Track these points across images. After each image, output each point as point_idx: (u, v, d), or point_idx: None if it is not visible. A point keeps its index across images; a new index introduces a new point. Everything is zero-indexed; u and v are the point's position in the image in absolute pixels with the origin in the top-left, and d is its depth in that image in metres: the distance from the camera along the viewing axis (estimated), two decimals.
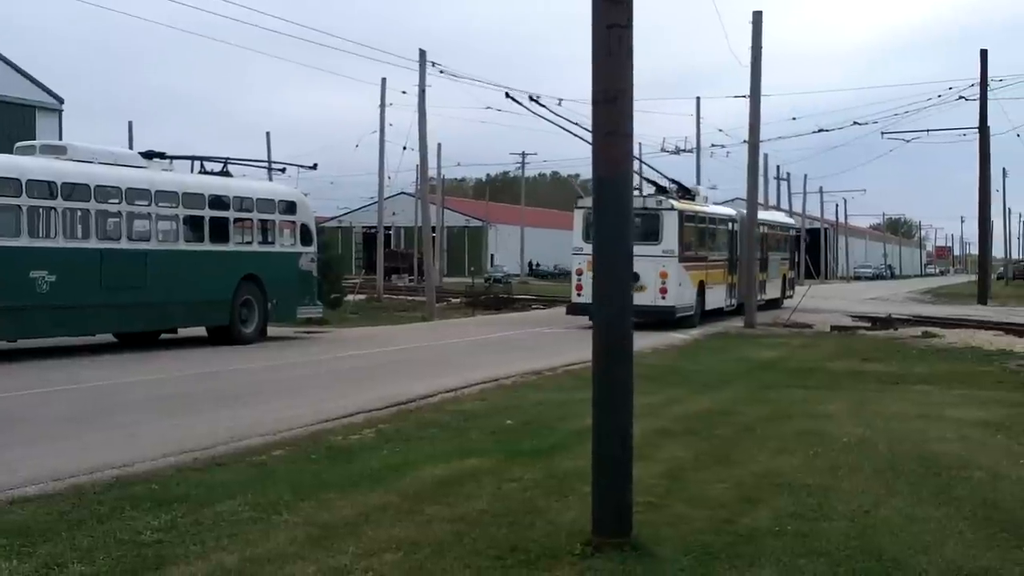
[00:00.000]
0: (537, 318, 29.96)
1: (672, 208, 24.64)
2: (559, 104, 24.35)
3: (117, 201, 17.38)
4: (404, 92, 37.48)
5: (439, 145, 62.01)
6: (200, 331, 19.46)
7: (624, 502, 5.66)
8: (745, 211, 28.40)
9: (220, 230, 19.34)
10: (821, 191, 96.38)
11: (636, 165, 26.62)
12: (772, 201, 68.65)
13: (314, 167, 23.72)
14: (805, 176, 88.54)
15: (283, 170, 24.82)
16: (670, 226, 24.34)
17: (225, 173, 20.40)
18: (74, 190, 16.59)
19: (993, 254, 71.77)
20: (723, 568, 5.40)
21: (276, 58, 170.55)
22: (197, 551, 5.63)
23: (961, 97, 38.46)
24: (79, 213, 16.78)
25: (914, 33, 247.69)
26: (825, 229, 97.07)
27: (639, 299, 22.66)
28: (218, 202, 19.30)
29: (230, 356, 17.00)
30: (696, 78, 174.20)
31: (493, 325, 27.12)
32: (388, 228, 62.35)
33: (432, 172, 52.09)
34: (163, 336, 19.30)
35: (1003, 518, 6.46)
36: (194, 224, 18.91)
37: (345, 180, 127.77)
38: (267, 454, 8.49)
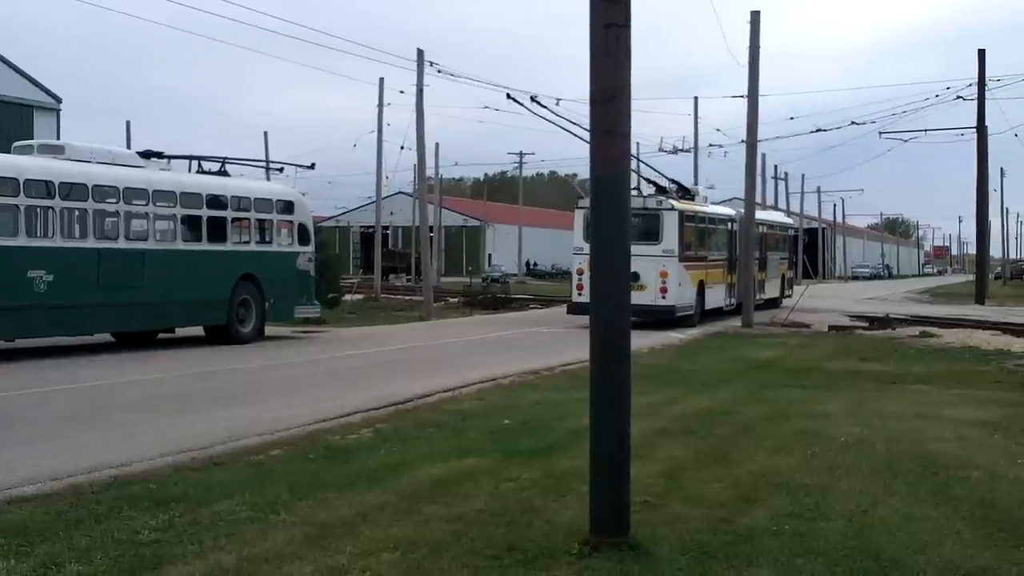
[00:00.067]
0: (535, 318, 29.96)
1: (672, 208, 24.74)
2: (557, 104, 24.37)
3: (115, 201, 17.37)
4: (402, 92, 37.47)
5: (437, 145, 62.00)
6: (198, 331, 19.45)
7: (622, 501, 5.66)
8: (744, 211, 28.46)
9: (218, 230, 19.33)
10: (819, 191, 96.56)
11: (634, 164, 26.68)
12: (770, 201, 68.68)
13: (312, 167, 23.70)
14: (803, 176, 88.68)
15: (281, 170, 24.85)
16: (670, 226, 24.43)
17: (223, 173, 20.39)
18: (72, 190, 16.58)
19: (991, 254, 71.84)
20: (721, 568, 5.40)
21: (274, 58, 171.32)
22: (195, 551, 5.63)
23: (959, 97, 38.49)
24: (77, 213, 16.77)
25: (912, 33, 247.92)
26: (823, 229, 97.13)
27: (639, 298, 23.07)
28: (216, 202, 19.29)
29: (228, 356, 17.00)
30: (694, 78, 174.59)
31: (491, 325, 27.12)
32: (386, 228, 62.41)
33: (430, 172, 52.05)
34: (161, 336, 19.29)
35: (1001, 518, 6.46)
36: (192, 224, 18.90)
37: (343, 180, 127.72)
38: (265, 454, 8.49)
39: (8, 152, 17.40)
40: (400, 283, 57.10)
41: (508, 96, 23.85)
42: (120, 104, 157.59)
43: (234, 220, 19.87)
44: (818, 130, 42.76)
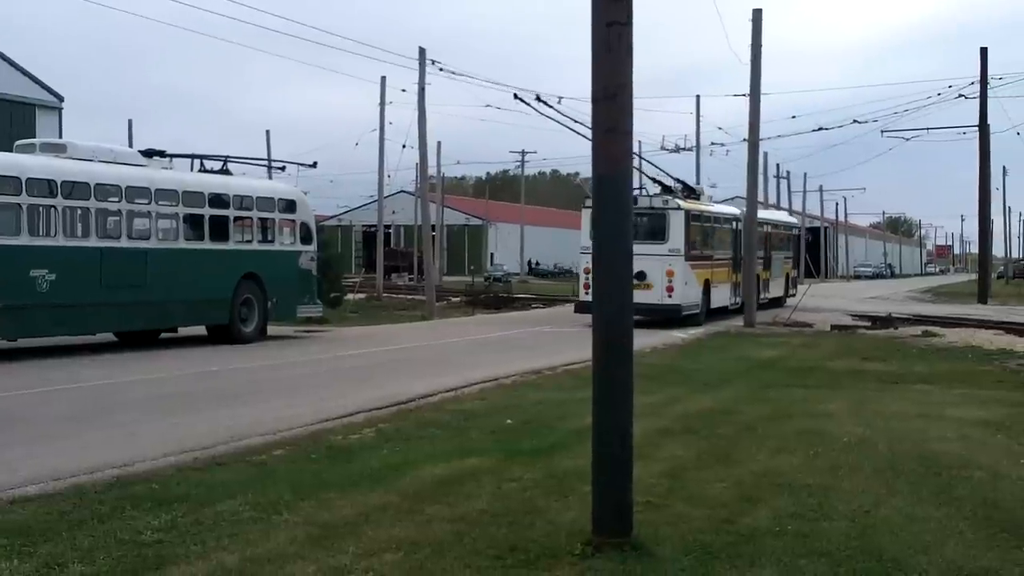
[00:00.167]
0: (537, 317, 29.95)
1: (678, 208, 24.87)
2: (559, 102, 24.42)
3: (117, 199, 17.38)
4: (404, 90, 37.57)
5: (439, 143, 62.07)
6: (200, 330, 19.45)
7: (624, 501, 5.66)
8: (746, 210, 28.47)
9: (220, 229, 19.34)
10: (821, 190, 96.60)
11: (637, 163, 26.75)
12: (772, 200, 68.68)
13: (314, 165, 23.74)
14: (805, 175, 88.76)
15: (283, 168, 24.90)
16: (676, 225, 24.54)
17: (225, 171, 20.40)
18: (74, 188, 16.59)
19: (993, 253, 71.79)
20: (723, 568, 5.39)
21: (276, 56, 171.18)
22: (197, 551, 5.63)
23: (961, 95, 38.48)
24: (79, 211, 16.79)
25: (912, 31, 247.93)
26: (825, 228, 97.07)
27: (646, 297, 23.31)
28: (218, 200, 19.30)
29: (230, 355, 17.00)
30: (695, 76, 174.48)
31: (493, 324, 27.12)
32: (388, 227, 62.34)
33: (432, 170, 52.09)
34: (163, 335, 19.30)
35: (1003, 518, 6.45)
36: (194, 223, 18.90)
37: (345, 178, 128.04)
38: (267, 453, 8.49)
39: (10, 151, 17.41)
40: (402, 282, 57.11)
41: (515, 96, 24.05)
42: (121, 102, 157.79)
43: (236, 219, 19.88)
44: (820, 129, 42.88)
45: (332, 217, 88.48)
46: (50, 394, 12.14)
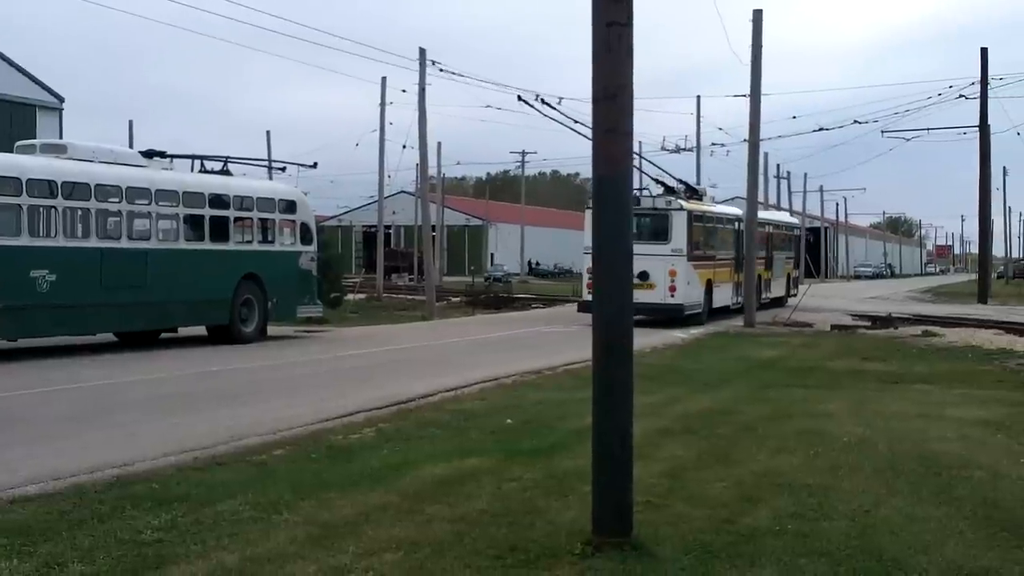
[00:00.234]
0: (537, 317, 29.95)
1: (681, 208, 25.06)
2: (559, 103, 24.48)
3: (117, 200, 17.38)
4: (404, 91, 37.55)
5: (439, 144, 62.10)
6: (200, 330, 19.45)
7: (624, 501, 5.66)
8: (746, 210, 28.51)
9: (220, 229, 19.34)
10: (821, 190, 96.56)
11: (638, 163, 26.83)
12: (772, 200, 68.68)
13: (314, 166, 23.74)
14: (805, 175, 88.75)
15: (283, 169, 24.85)
16: (679, 226, 24.74)
17: (225, 172, 20.40)
18: (74, 189, 16.59)
19: (993, 253, 71.78)
20: (723, 567, 5.39)
21: (275, 56, 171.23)
22: (198, 550, 5.63)
23: (961, 95, 38.48)
24: (79, 212, 16.79)
25: (911, 31, 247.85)
26: (825, 228, 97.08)
27: (649, 297, 23.53)
28: (218, 201, 19.30)
29: (230, 355, 17.00)
30: (695, 76, 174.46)
31: (493, 324, 27.12)
32: (388, 227, 62.36)
33: (432, 171, 52.09)
34: (163, 335, 19.30)
35: (1003, 517, 6.45)
36: (194, 223, 18.90)
37: (345, 179, 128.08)
38: (267, 453, 8.49)
39: (11, 151, 17.42)
40: (402, 282, 57.13)
41: (519, 98, 24.20)
42: (121, 103, 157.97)
43: (236, 219, 19.88)
44: (820, 129, 42.91)
45: (332, 217, 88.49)
46: (50, 394, 12.14)
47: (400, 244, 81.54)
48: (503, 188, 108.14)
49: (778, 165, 75.74)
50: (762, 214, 34.03)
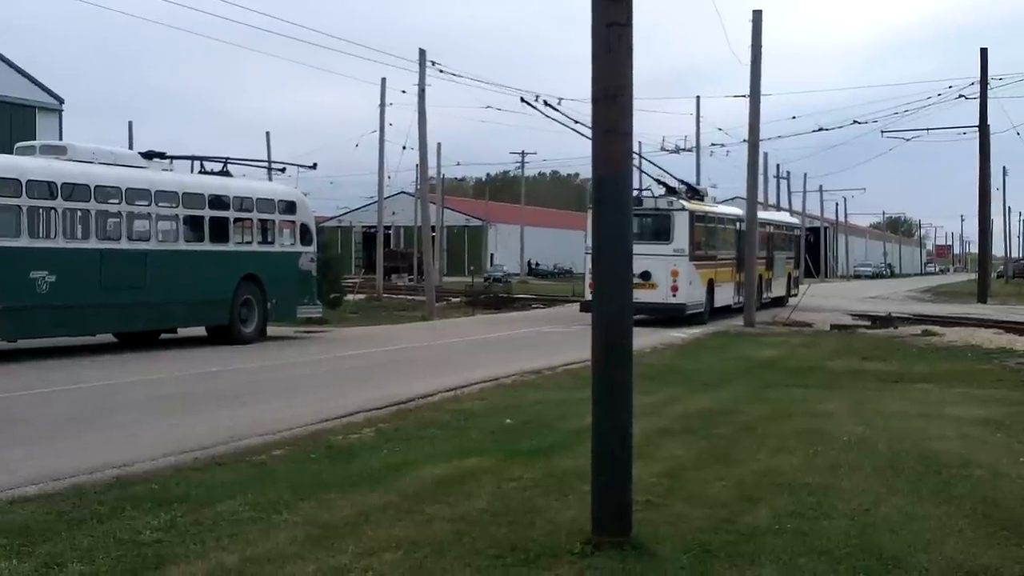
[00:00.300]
0: (537, 317, 29.95)
1: (683, 209, 25.23)
2: (559, 103, 24.54)
3: (117, 201, 17.38)
4: (404, 91, 37.53)
5: (439, 144, 62.09)
6: (200, 331, 19.46)
7: (624, 501, 5.66)
8: (746, 210, 28.55)
9: (220, 230, 19.34)
10: (821, 190, 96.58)
11: (639, 163, 26.97)
12: (772, 200, 68.65)
13: (314, 167, 23.73)
14: (805, 175, 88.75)
15: (283, 170, 24.84)
16: (681, 226, 24.90)
17: (225, 173, 20.40)
18: (74, 190, 16.59)
19: (993, 252, 71.78)
20: (723, 567, 5.39)
21: (274, 57, 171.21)
22: (197, 551, 5.63)
23: (961, 95, 38.47)
24: (79, 213, 16.78)
25: (912, 31, 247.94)
26: (825, 228, 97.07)
27: (651, 296, 23.71)
28: (218, 202, 19.30)
29: (230, 356, 17.00)
30: (695, 76, 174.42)
31: (493, 324, 27.12)
32: (388, 228, 62.37)
33: (432, 171, 52.08)
34: (163, 336, 19.30)
35: (1003, 516, 6.45)
36: (194, 224, 18.91)
37: (345, 180, 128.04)
38: (267, 454, 8.49)
39: (11, 153, 17.42)
40: (402, 283, 57.14)
41: (522, 99, 24.35)
42: (120, 104, 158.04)
43: (236, 220, 19.88)
44: (820, 129, 42.89)
45: (332, 218, 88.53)
46: (50, 395, 12.14)
47: (400, 245, 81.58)
48: (503, 188, 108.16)
49: (778, 165, 75.77)
50: (763, 214, 34.07)
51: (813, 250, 77.85)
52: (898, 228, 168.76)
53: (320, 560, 5.46)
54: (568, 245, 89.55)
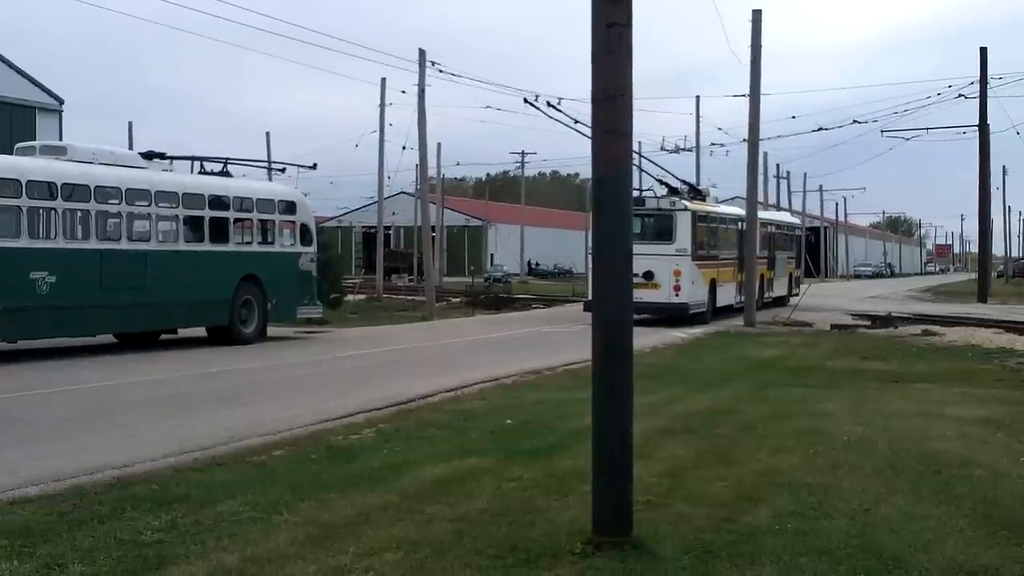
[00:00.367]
0: (537, 317, 29.96)
1: (685, 209, 25.38)
2: (559, 102, 24.58)
3: (117, 202, 17.38)
4: (404, 92, 37.55)
5: (439, 144, 62.07)
6: (200, 331, 19.46)
7: (624, 501, 5.66)
8: (746, 210, 28.59)
9: (220, 230, 19.34)
10: (821, 189, 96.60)
11: (644, 165, 27.13)
12: (772, 200, 68.67)
13: (314, 167, 23.73)
14: (805, 174, 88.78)
15: (283, 170, 24.84)
16: (683, 226, 25.04)
17: (225, 173, 20.41)
18: (74, 191, 16.59)
19: (993, 252, 71.78)
20: (723, 566, 5.39)
21: (274, 57, 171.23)
22: (197, 551, 5.63)
23: (960, 95, 38.47)
24: (79, 214, 16.79)
25: (912, 31, 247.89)
26: (825, 227, 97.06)
27: (654, 296, 23.89)
28: (218, 202, 19.31)
29: (230, 356, 17.01)
30: (694, 75, 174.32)
31: (493, 324, 27.13)
32: (388, 228, 62.37)
33: (432, 171, 52.07)
34: (163, 336, 19.30)
35: (1003, 516, 6.45)
36: (194, 224, 18.91)
37: (345, 180, 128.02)
38: (267, 454, 8.49)
39: (11, 153, 17.42)
40: (402, 283, 57.13)
41: (525, 100, 24.42)
42: (120, 104, 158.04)
43: (236, 221, 19.89)
44: (819, 129, 42.92)
45: (332, 218, 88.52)
46: (50, 396, 12.13)
47: (400, 245, 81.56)
48: (503, 188, 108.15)
49: (778, 165, 75.82)
50: (764, 214, 34.12)
51: (813, 250, 77.89)
52: (898, 228, 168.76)
53: (320, 560, 5.46)
54: (568, 245, 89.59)
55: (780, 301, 32.78)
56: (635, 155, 23.67)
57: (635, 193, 25.24)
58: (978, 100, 38.81)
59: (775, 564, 5.43)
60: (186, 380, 13.97)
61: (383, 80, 43.65)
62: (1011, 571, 5.42)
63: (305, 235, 21.29)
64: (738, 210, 31.40)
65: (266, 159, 35.21)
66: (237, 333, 19.25)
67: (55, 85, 39.33)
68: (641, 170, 26.44)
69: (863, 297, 42.89)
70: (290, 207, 21.10)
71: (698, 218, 25.93)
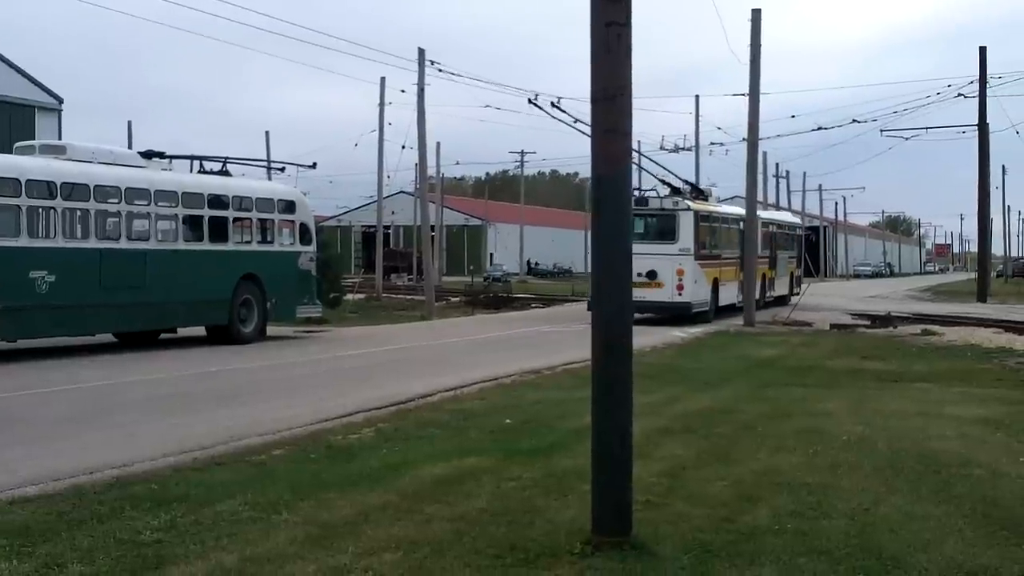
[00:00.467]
0: (536, 316, 29.96)
1: (688, 209, 25.58)
2: (558, 101, 24.59)
3: (116, 201, 17.38)
4: (403, 91, 37.52)
5: (438, 144, 62.04)
6: (199, 331, 19.45)
7: (624, 501, 5.66)
8: (746, 210, 28.62)
9: (219, 229, 19.34)
10: (820, 189, 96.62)
11: (647, 165, 27.22)
12: (771, 199, 68.66)
13: (313, 166, 23.75)
14: (804, 174, 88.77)
15: (282, 169, 24.86)
16: (686, 226, 25.24)
17: (224, 172, 20.40)
18: (73, 190, 16.59)
19: (993, 251, 71.79)
20: (723, 566, 5.39)
21: (274, 57, 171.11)
22: (197, 551, 5.63)
23: (960, 94, 38.45)
24: (78, 213, 16.78)
25: (911, 30, 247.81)
26: (824, 227, 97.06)
27: (657, 295, 24.11)
28: (217, 201, 19.30)
29: (229, 356, 17.00)
30: (694, 75, 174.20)
31: (492, 324, 27.12)
32: (387, 227, 62.42)
33: (431, 171, 52.07)
34: (162, 336, 19.30)
35: (1003, 516, 6.45)
36: (193, 224, 18.91)
37: (344, 179, 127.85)
38: (266, 453, 8.49)
39: (10, 152, 17.42)
40: (402, 282, 57.11)
41: (529, 101, 24.58)
42: (119, 103, 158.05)
43: (236, 220, 19.88)
44: (819, 128, 42.86)
45: (331, 218, 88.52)
46: (49, 395, 12.13)
47: (399, 244, 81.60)
48: (502, 188, 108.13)
49: (777, 164, 75.80)
50: (766, 214, 34.15)
51: (812, 249, 77.90)
52: (897, 227, 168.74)
53: (320, 560, 5.46)
54: (568, 245, 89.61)
55: (782, 300, 32.89)
56: (635, 154, 23.78)
57: (636, 193, 25.39)
58: (977, 99, 38.80)
59: (774, 564, 5.43)
60: (185, 379, 13.96)
61: (382, 79, 43.66)
62: (1010, 571, 5.42)
63: (304, 234, 21.29)
64: (740, 210, 31.45)
65: (265, 158, 35.18)
66: (236, 332, 19.25)
67: (54, 84, 39.31)
68: (641, 168, 26.51)
69: (862, 297, 42.89)
70: (289, 206, 21.10)
71: (701, 218, 26.08)
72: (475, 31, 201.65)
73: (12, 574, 5.27)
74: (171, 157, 19.70)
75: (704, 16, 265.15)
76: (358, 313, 30.40)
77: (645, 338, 18.64)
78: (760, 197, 38.90)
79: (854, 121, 40.33)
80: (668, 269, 24.56)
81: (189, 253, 18.55)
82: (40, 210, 16.27)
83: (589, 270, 5.99)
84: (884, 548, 5.72)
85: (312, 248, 21.50)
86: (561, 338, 20.87)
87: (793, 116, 63.29)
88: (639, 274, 22.87)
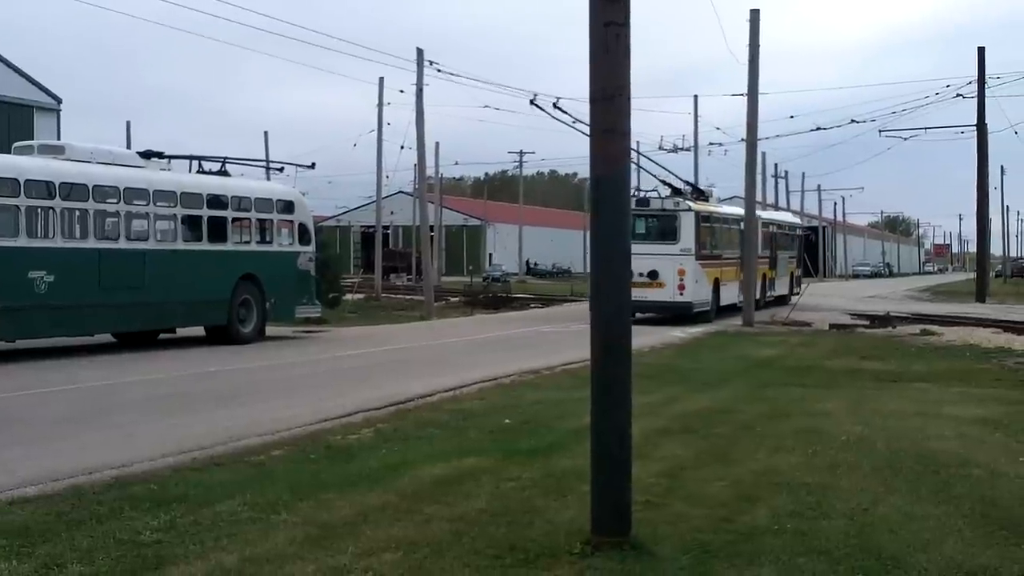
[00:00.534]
0: (535, 317, 29.96)
1: (689, 209, 25.74)
2: (557, 101, 24.60)
3: (115, 201, 17.38)
4: (402, 91, 37.50)
5: (437, 144, 61.99)
6: (198, 331, 19.45)
7: (623, 501, 5.66)
8: (745, 210, 28.65)
9: (218, 230, 19.34)
10: (819, 189, 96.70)
11: (648, 166, 27.28)
12: (770, 199, 68.69)
13: (312, 166, 23.75)
14: (803, 174, 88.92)
15: (281, 169, 24.89)
16: (687, 226, 25.40)
17: (223, 173, 20.40)
18: (72, 190, 16.59)
19: (991, 252, 71.79)
20: (722, 567, 5.39)
21: (272, 57, 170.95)
22: (196, 551, 5.63)
23: (958, 95, 38.45)
24: (77, 213, 16.78)
25: (910, 31, 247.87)
26: (823, 227, 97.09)
27: (658, 295, 24.30)
28: (216, 202, 19.30)
29: (228, 356, 17.00)
30: (692, 75, 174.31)
31: (491, 324, 27.13)
32: (386, 227, 62.43)
33: (430, 171, 52.06)
34: (161, 336, 19.29)
35: (1002, 516, 6.45)
36: (192, 224, 18.90)
37: (343, 179, 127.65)
38: (266, 454, 8.48)
39: (8, 152, 17.42)
40: (401, 282, 57.12)
41: (531, 102, 24.56)
42: (118, 103, 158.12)
43: (234, 220, 19.88)
44: (818, 128, 42.84)
45: (330, 218, 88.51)
46: (48, 395, 12.13)
47: (398, 244, 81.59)
48: (501, 188, 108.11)
49: (776, 164, 75.83)
50: (766, 214, 34.19)
51: (811, 249, 77.91)
52: (896, 227, 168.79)
53: (319, 560, 5.46)
54: (567, 245, 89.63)
55: (782, 300, 32.99)
56: (634, 155, 23.82)
57: (638, 194, 25.45)
58: (976, 100, 38.79)
59: (774, 564, 5.43)
60: (184, 380, 13.96)
61: (381, 79, 43.68)
62: (1009, 571, 5.42)
63: (303, 234, 21.29)
64: (740, 210, 31.49)
65: (264, 158, 35.20)
66: (235, 333, 19.25)
67: (53, 84, 39.31)
68: (640, 168, 26.55)
69: (861, 297, 42.90)
70: (288, 206, 21.10)
71: (701, 218, 26.20)
72: (475, 31, 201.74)
73: (12, 574, 5.27)
74: (170, 157, 19.71)
75: (702, 16, 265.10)
76: (357, 313, 30.40)
77: (644, 338, 18.63)
78: (759, 197, 38.90)
79: (853, 121, 40.37)
80: (669, 269, 24.71)
81: (188, 253, 18.54)
82: (39, 210, 16.27)
83: (588, 270, 5.98)
84: (883, 548, 5.72)
85: (311, 248, 21.50)
86: (560, 338, 20.88)
87: (792, 116, 63.39)
88: (641, 274, 22.95)
